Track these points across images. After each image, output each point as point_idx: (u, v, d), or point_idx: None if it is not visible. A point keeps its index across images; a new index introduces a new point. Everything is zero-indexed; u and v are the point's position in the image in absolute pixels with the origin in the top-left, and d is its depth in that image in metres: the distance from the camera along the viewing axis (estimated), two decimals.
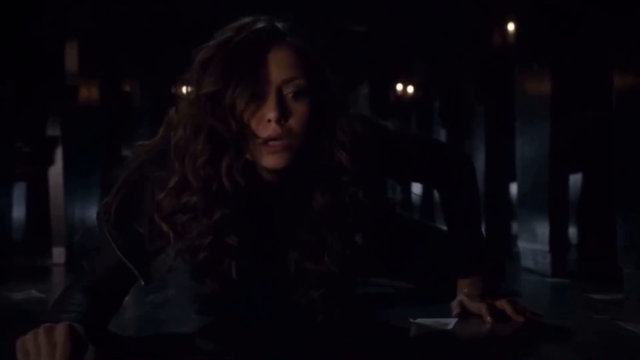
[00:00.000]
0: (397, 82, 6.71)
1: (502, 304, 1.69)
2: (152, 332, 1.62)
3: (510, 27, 4.44)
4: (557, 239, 2.64)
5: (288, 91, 1.38)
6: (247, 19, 1.43)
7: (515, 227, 3.27)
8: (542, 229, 2.68)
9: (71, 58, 3.38)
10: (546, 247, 2.64)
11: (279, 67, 1.38)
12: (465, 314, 1.71)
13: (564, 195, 2.72)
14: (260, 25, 1.41)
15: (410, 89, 6.42)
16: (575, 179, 2.91)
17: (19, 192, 3.56)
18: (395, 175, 1.66)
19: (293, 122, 1.38)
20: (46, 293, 2.24)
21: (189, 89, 1.44)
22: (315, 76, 1.42)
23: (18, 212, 3.51)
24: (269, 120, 1.35)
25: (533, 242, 2.76)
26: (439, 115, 5.19)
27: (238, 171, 1.39)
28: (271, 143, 1.37)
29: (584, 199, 2.93)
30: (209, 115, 1.37)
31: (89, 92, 3.52)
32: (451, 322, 1.66)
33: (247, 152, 1.39)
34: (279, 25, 1.44)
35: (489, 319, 1.65)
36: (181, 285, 2.33)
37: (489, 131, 3.83)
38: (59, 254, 3.07)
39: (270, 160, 1.38)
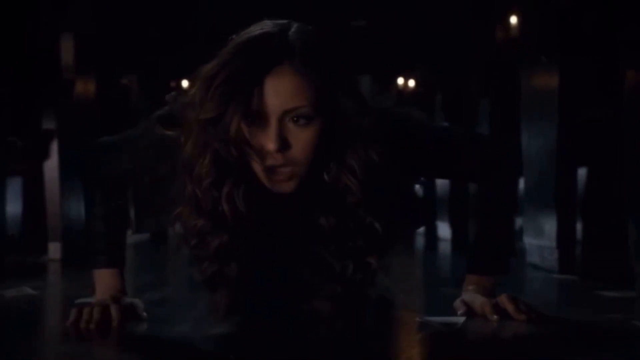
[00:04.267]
0: (398, 76, 6.67)
1: (505, 302, 1.63)
2: (150, 331, 1.57)
3: (514, 20, 4.41)
4: (565, 235, 2.61)
5: (290, 119, 1.32)
6: (257, 31, 1.36)
7: (520, 222, 3.23)
8: (549, 225, 2.64)
9: (67, 52, 3.35)
10: (553, 243, 2.60)
11: (281, 96, 1.31)
12: (469, 312, 1.66)
13: (571, 190, 2.68)
14: (268, 42, 1.33)
15: (411, 83, 6.38)
16: (581, 175, 2.87)
17: (14, 188, 3.52)
18: (442, 176, 1.61)
19: (296, 151, 1.33)
20: (40, 290, 2.19)
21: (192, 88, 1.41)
22: (323, 101, 1.33)
23: (14, 207, 3.47)
24: (270, 148, 1.31)
25: (539, 238, 2.72)
26: (441, 110, 5.16)
27: (239, 196, 1.37)
28: (275, 170, 1.34)
29: (591, 195, 2.89)
30: (212, 139, 1.34)
31: (85, 87, 3.48)
32: (459, 321, 1.61)
33: (253, 174, 1.36)
34: (291, 38, 1.34)
35: (494, 317, 1.60)
36: (179, 283, 2.29)
37: (494, 127, 3.79)
38: (54, 249, 3.04)
39: (275, 186, 1.36)
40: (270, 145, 1.30)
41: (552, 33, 2.89)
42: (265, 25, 1.37)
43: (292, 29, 1.36)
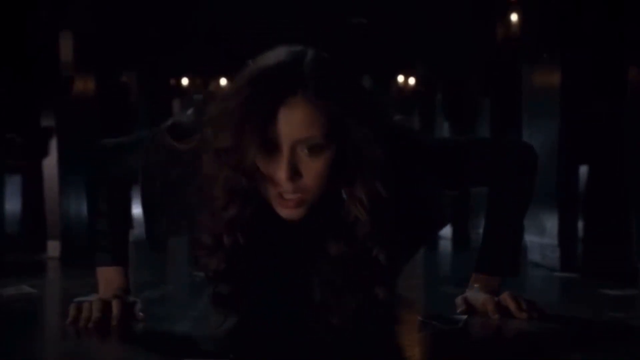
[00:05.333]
0: (398, 75, 6.66)
1: (507, 301, 1.63)
2: (149, 329, 1.56)
3: (514, 17, 4.39)
4: (566, 233, 2.59)
5: (302, 149, 1.33)
6: (273, 59, 1.36)
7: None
8: (551, 223, 2.63)
9: (66, 49, 3.34)
10: (555, 241, 2.59)
11: (293, 126, 1.31)
12: (470, 310, 1.65)
13: (573, 188, 2.67)
14: (283, 72, 1.33)
15: (411, 81, 6.37)
16: (583, 172, 2.86)
17: (14, 185, 3.51)
18: (451, 188, 1.60)
19: (307, 179, 1.34)
20: (39, 288, 2.18)
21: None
22: (335, 131, 1.34)
23: (13, 206, 3.46)
24: (281, 178, 1.33)
25: (541, 236, 2.70)
26: (442, 109, 5.16)
27: (246, 222, 1.40)
28: (285, 196, 1.35)
29: (593, 192, 2.88)
30: (224, 166, 1.36)
31: (84, 84, 3.47)
32: (460, 321, 1.60)
33: (263, 199, 1.38)
34: (305, 69, 1.34)
35: (496, 315, 1.59)
36: (177, 282, 2.27)
37: (495, 125, 3.79)
38: (53, 247, 3.03)
39: (284, 212, 1.37)
40: (282, 174, 1.32)
41: (553, 30, 2.89)
42: (280, 54, 1.37)
43: (307, 58, 1.36)
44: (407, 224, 1.43)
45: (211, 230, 1.41)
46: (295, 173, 1.32)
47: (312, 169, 1.34)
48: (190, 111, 1.55)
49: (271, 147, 1.32)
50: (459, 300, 1.68)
